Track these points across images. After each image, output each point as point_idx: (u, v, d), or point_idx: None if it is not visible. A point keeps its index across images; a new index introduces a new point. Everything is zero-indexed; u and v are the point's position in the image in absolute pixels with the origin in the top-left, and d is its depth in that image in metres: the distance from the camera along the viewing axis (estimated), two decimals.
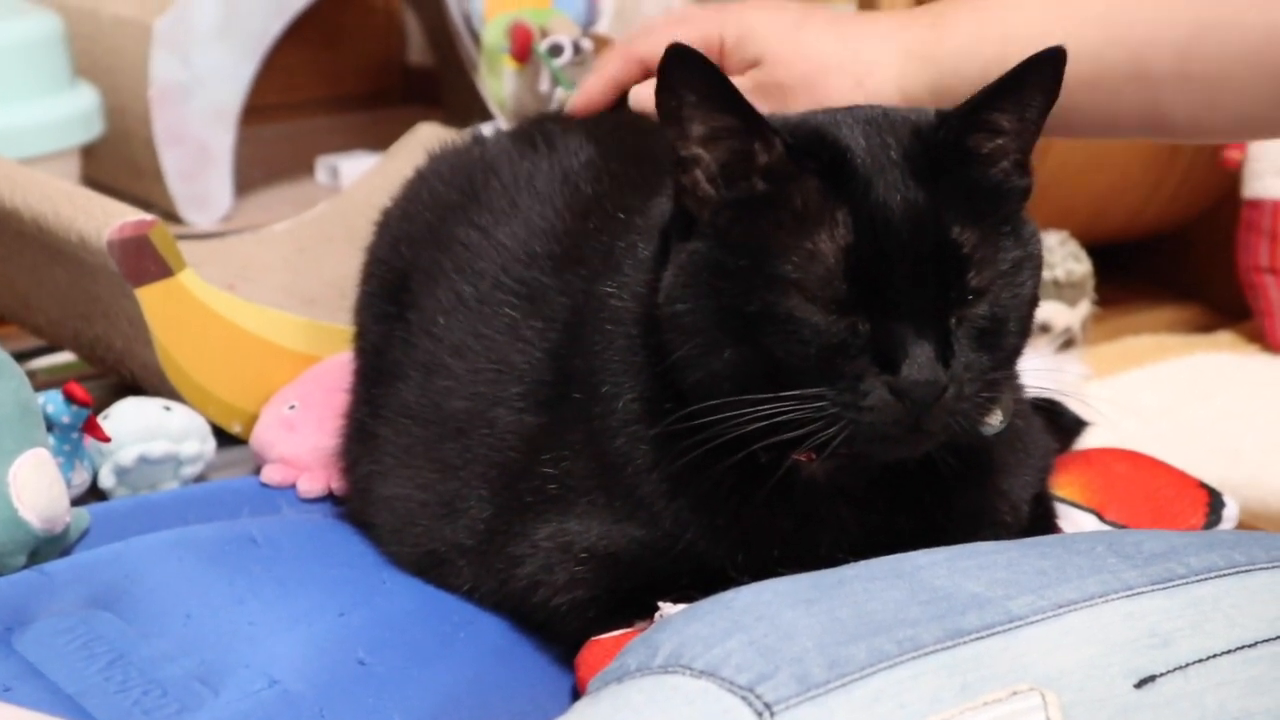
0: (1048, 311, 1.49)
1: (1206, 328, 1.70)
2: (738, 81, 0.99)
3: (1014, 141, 0.83)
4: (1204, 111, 0.97)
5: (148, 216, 1.15)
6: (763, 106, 0.82)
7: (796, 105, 0.94)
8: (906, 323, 0.78)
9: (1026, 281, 0.82)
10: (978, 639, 0.71)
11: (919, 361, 0.77)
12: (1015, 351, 0.84)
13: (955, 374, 0.78)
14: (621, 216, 0.95)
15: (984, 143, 0.82)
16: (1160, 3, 0.97)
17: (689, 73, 0.80)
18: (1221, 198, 1.68)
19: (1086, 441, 1.13)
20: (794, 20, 1.03)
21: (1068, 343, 1.52)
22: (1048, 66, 0.81)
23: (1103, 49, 0.96)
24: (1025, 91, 0.82)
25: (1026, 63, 0.81)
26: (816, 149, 0.80)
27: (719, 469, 0.82)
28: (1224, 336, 1.66)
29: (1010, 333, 0.82)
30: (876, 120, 0.83)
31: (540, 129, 1.08)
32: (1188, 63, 0.96)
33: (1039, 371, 0.95)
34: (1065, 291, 1.51)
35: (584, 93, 1.12)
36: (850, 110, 0.84)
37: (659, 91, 0.81)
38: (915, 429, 0.79)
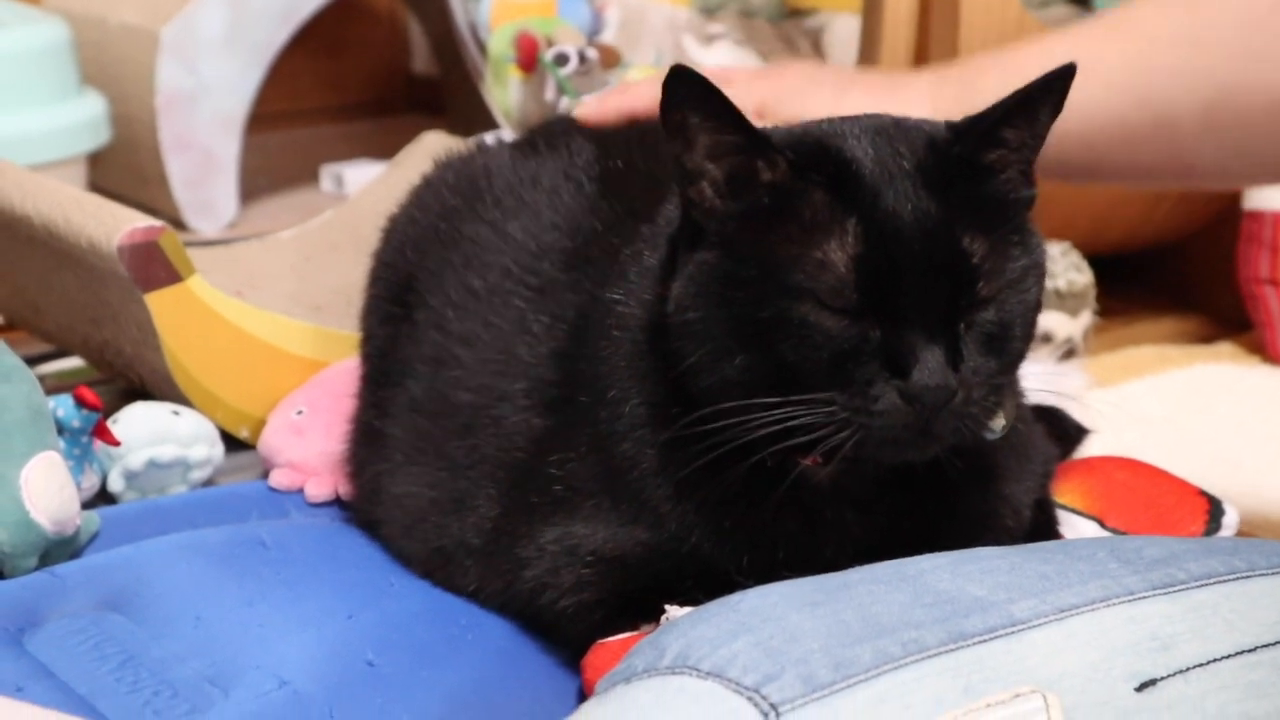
0: (1050, 321, 1.50)
1: (1207, 339, 1.70)
2: None
3: (1021, 153, 0.84)
4: (1231, 162, 1.01)
5: (157, 222, 1.16)
6: None
7: None
8: (917, 329, 0.79)
9: (1032, 288, 0.83)
10: (981, 642, 0.71)
11: (930, 366, 0.78)
12: (1020, 356, 0.85)
13: (964, 378, 0.80)
14: (628, 220, 0.96)
15: (995, 156, 0.83)
16: (1182, 67, 0.99)
17: (692, 91, 0.81)
18: (1222, 210, 1.69)
19: (1088, 449, 1.13)
20: (834, 88, 1.08)
21: (1069, 353, 1.52)
22: (1059, 84, 0.83)
23: (1129, 112, 0.99)
24: (1038, 108, 0.83)
25: (1041, 81, 0.82)
26: (821, 162, 0.81)
27: (726, 473, 0.83)
28: (1225, 347, 1.66)
29: (1015, 338, 0.83)
30: (887, 130, 0.83)
31: (543, 133, 1.09)
32: (1212, 120, 0.99)
33: (1041, 381, 0.96)
34: (1067, 302, 1.51)
35: (585, 109, 1.14)
36: (858, 119, 0.85)
37: (663, 109, 0.81)
38: (924, 433, 0.79)
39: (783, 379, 0.80)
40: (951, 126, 0.84)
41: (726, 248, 0.82)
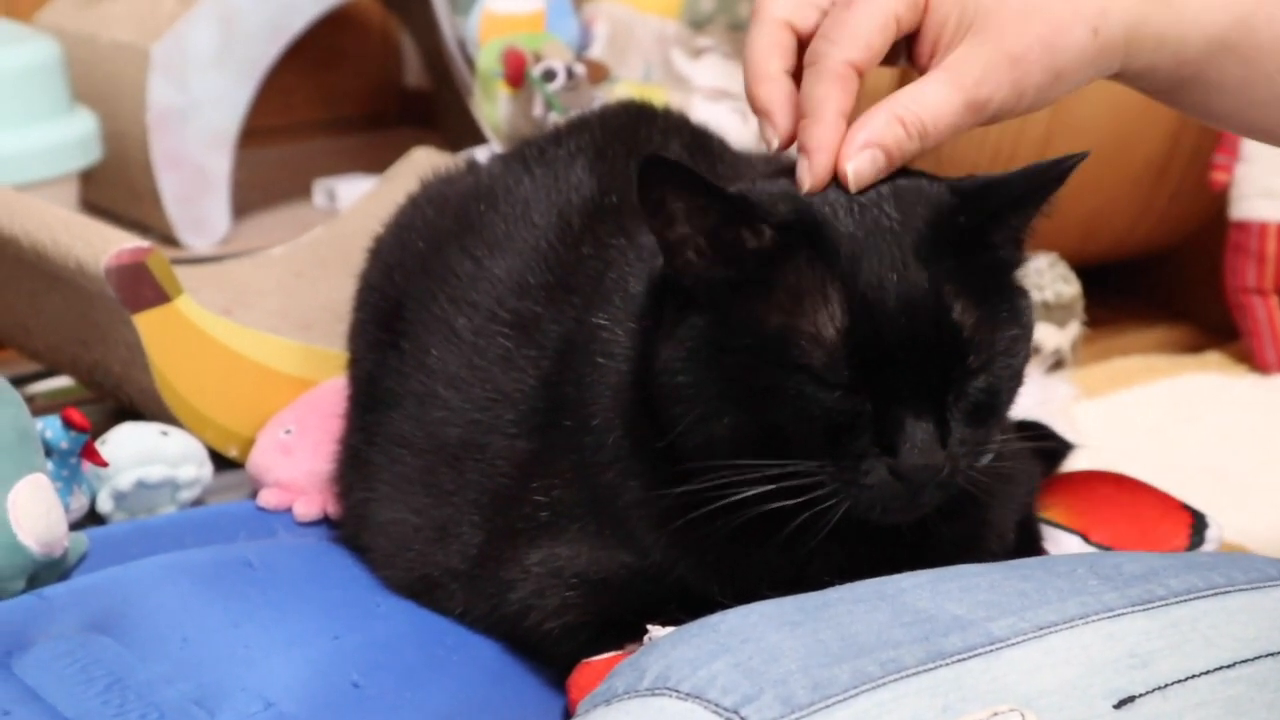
0: (1037, 333, 1.49)
1: (1195, 348, 1.70)
2: (960, 56, 0.81)
3: (1021, 227, 0.83)
4: None
5: (145, 243, 1.17)
6: (997, 85, 0.79)
7: (1032, 75, 0.81)
8: (906, 404, 0.79)
9: (1020, 353, 0.83)
10: (959, 660, 0.72)
11: (919, 446, 0.79)
12: (1005, 415, 0.85)
13: (951, 452, 0.80)
14: (613, 243, 0.96)
15: (999, 232, 0.82)
16: None
17: (669, 171, 0.80)
18: (1209, 219, 1.69)
19: (1073, 463, 1.14)
20: None
21: (1057, 364, 1.52)
22: (1069, 172, 0.81)
23: None
24: (1051, 191, 0.82)
25: (1058, 166, 0.81)
26: (805, 229, 0.80)
27: (710, 518, 0.83)
28: (1212, 357, 1.66)
29: (1003, 403, 0.83)
30: (880, 193, 0.81)
31: (536, 151, 1.07)
32: None
33: (1027, 394, 0.96)
34: (1054, 313, 1.51)
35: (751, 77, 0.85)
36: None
37: (640, 190, 0.80)
38: (911, 503, 0.81)
39: (772, 442, 0.80)
40: (957, 191, 0.82)
41: (716, 313, 0.81)
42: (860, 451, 0.79)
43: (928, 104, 0.81)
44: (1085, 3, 0.81)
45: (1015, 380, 0.84)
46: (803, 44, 0.84)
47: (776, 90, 0.83)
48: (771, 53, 0.83)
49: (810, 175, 0.81)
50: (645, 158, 0.80)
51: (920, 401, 0.79)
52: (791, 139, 0.82)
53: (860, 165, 0.81)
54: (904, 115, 0.80)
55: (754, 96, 0.83)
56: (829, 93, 0.81)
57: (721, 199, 0.80)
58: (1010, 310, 0.82)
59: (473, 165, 1.15)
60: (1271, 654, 0.76)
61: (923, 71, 0.83)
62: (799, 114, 0.82)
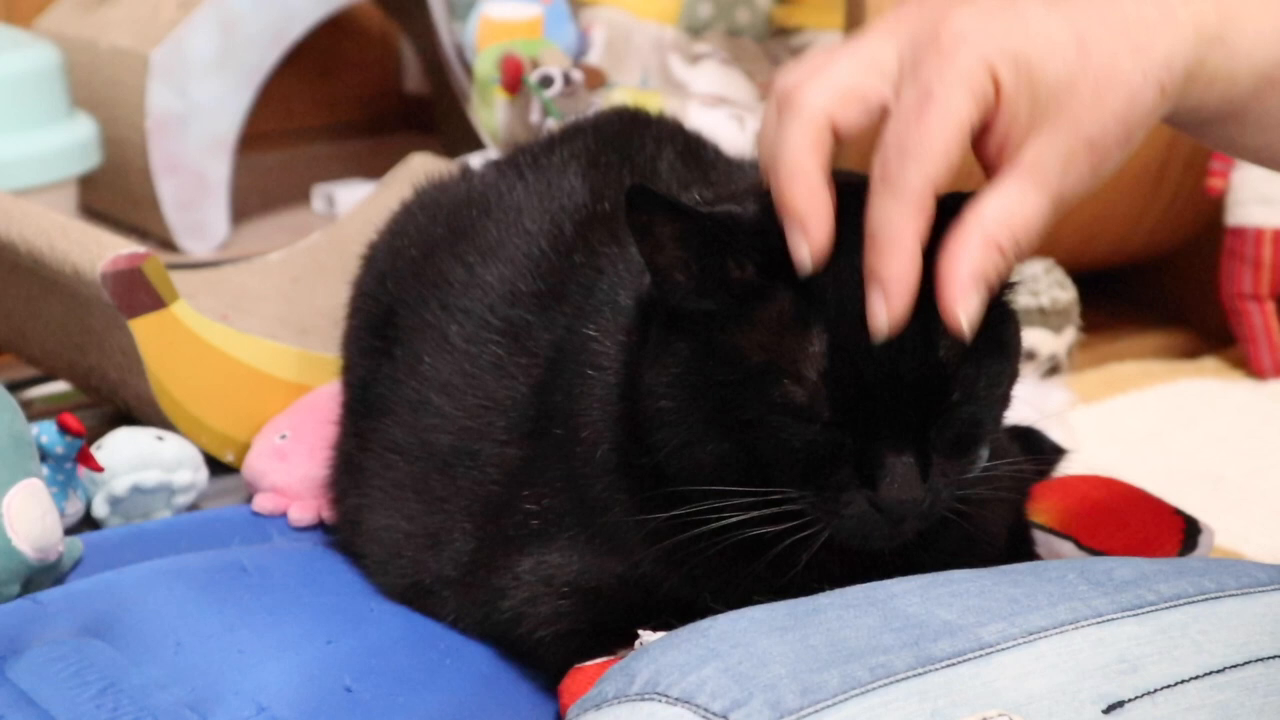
0: (1033, 339, 1.50)
1: (1191, 354, 1.71)
2: (1038, 152, 0.74)
3: None
4: None
5: (141, 249, 1.17)
6: (1077, 177, 0.74)
7: (1111, 155, 0.75)
8: (887, 438, 0.78)
9: (1003, 385, 0.83)
10: (949, 666, 0.72)
11: (899, 480, 0.78)
12: (986, 444, 0.84)
13: (933, 485, 0.80)
14: (605, 251, 0.96)
15: None
16: None
17: (655, 199, 0.79)
18: (1206, 225, 1.70)
19: (1069, 467, 1.14)
20: (1068, 29, 0.74)
21: (1053, 369, 1.53)
22: None
23: None
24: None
25: None
26: (788, 261, 0.77)
27: (698, 537, 0.83)
28: (1209, 363, 1.67)
29: (986, 433, 0.83)
30: None
31: (529, 157, 1.07)
32: None
33: (1022, 400, 0.96)
34: (1050, 319, 1.52)
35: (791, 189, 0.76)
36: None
37: (628, 214, 0.80)
38: (892, 532, 0.81)
39: (754, 470, 0.80)
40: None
41: (700, 341, 0.81)
42: (841, 483, 0.79)
43: (1017, 216, 0.74)
44: (1152, 60, 0.74)
45: (1000, 407, 0.83)
46: (839, 141, 0.76)
47: (816, 197, 0.75)
48: (812, 150, 0.74)
49: (889, 315, 0.74)
50: (630, 190, 0.79)
51: (901, 435, 0.79)
52: (825, 255, 0.76)
53: (972, 309, 0.73)
54: (999, 237, 0.74)
55: (789, 200, 0.75)
56: (909, 219, 0.72)
57: (707, 224, 0.79)
58: (996, 341, 0.81)
59: (466, 172, 1.15)
60: (1261, 659, 0.75)
61: (989, 166, 0.76)
62: (831, 221, 0.76)
